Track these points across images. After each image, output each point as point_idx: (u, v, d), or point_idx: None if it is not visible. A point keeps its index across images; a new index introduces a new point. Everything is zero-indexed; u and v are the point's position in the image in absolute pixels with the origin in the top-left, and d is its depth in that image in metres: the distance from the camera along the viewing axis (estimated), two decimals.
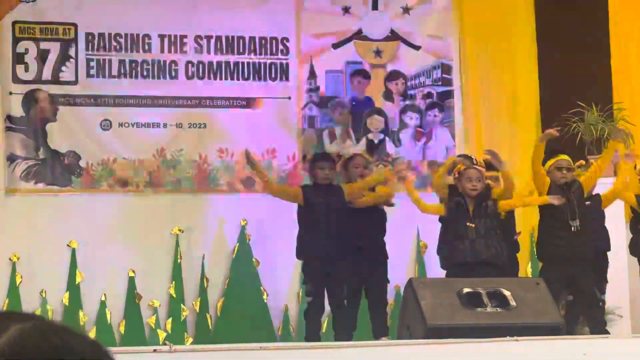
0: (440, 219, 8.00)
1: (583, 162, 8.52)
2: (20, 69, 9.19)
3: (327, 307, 8.11)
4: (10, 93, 9.16)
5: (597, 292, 8.10)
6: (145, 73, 9.42)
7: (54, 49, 9.26)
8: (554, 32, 10.11)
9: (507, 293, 7.01)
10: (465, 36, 10.06)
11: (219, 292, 9.28)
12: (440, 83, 10.04)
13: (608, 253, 8.48)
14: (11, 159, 9.10)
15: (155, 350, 5.83)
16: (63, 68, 9.26)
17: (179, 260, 9.18)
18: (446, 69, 10.03)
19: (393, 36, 10.01)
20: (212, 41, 9.57)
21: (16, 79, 9.18)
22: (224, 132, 9.51)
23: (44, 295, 8.94)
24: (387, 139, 9.87)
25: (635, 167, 8.77)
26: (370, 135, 9.85)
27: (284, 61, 9.70)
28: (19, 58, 9.19)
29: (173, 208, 9.30)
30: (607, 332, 7.86)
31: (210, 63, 9.55)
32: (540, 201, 7.94)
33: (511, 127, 9.97)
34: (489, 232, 7.69)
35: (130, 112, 9.35)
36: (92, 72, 9.32)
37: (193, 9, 9.54)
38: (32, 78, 9.21)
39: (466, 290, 6.96)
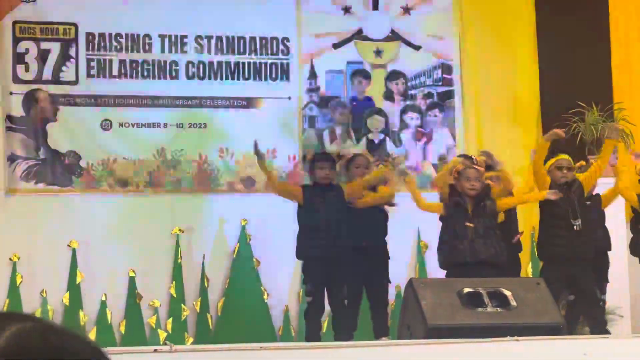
0: (441, 219, 8.01)
1: (583, 162, 8.52)
2: (20, 69, 9.19)
3: (328, 307, 8.11)
4: (11, 93, 9.16)
5: (597, 291, 8.10)
6: (145, 73, 9.43)
7: (55, 48, 9.26)
8: (554, 32, 10.12)
9: (507, 293, 7.01)
10: (465, 36, 10.07)
11: (220, 292, 9.28)
12: (440, 83, 10.04)
13: (609, 253, 8.48)
14: (11, 159, 9.10)
15: (155, 350, 5.83)
16: (63, 68, 9.27)
17: (179, 260, 9.18)
18: (447, 69, 10.04)
19: (393, 36, 10.01)
20: (213, 41, 9.58)
21: (16, 79, 9.18)
22: (225, 132, 9.51)
23: (44, 295, 8.95)
24: (387, 139, 9.88)
25: (635, 167, 8.77)
26: (370, 135, 9.86)
27: (285, 61, 9.71)
28: (19, 58, 9.19)
29: (173, 208, 9.31)
30: (607, 332, 7.86)
31: (211, 63, 9.56)
32: (538, 197, 7.95)
33: (511, 127, 9.98)
34: (488, 232, 7.70)
35: (130, 112, 9.36)
36: (93, 72, 9.32)
37: (193, 9, 9.54)
38: (32, 78, 9.21)
39: (466, 290, 6.96)
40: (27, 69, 9.21)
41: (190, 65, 9.51)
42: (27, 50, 9.21)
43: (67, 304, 8.96)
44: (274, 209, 8.93)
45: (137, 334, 9.00)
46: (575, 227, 7.81)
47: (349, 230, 7.94)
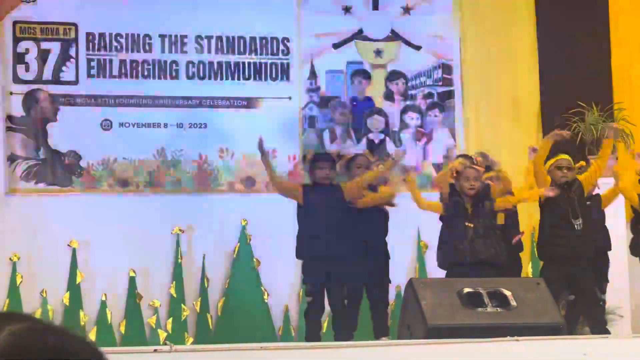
0: (441, 218, 8.02)
1: (583, 163, 8.52)
2: (20, 68, 9.19)
3: (328, 307, 8.11)
4: (11, 93, 9.17)
5: (597, 291, 8.10)
6: (145, 73, 9.43)
7: (55, 48, 9.27)
8: (554, 32, 10.12)
9: (507, 293, 7.01)
10: (465, 36, 10.07)
11: (220, 292, 9.28)
12: (440, 83, 10.04)
13: (608, 253, 8.48)
14: (12, 159, 9.10)
15: (155, 350, 5.83)
16: (63, 68, 9.27)
17: (179, 260, 9.18)
18: (447, 69, 10.04)
19: (394, 36, 10.01)
20: (213, 41, 9.58)
21: (17, 79, 9.18)
22: (225, 132, 9.51)
23: (44, 295, 8.95)
24: (387, 139, 9.88)
25: (636, 168, 8.77)
26: (370, 135, 9.86)
27: (285, 61, 9.71)
28: (19, 58, 9.19)
29: (173, 208, 9.31)
30: (607, 332, 7.86)
31: (211, 63, 9.56)
32: (536, 195, 7.96)
33: (512, 127, 9.98)
34: (487, 232, 7.71)
35: (130, 112, 9.36)
36: (93, 72, 9.33)
37: (193, 9, 9.54)
38: (32, 78, 9.22)
39: (467, 290, 6.96)
40: (27, 69, 9.21)
41: (190, 65, 9.52)
42: (27, 50, 9.22)
43: (67, 304, 8.96)
44: (274, 209, 8.93)
45: (137, 334, 9.00)
46: (576, 226, 7.82)
47: (349, 230, 7.94)
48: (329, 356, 6.13)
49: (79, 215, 9.11)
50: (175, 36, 9.50)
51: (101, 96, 9.32)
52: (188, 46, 9.52)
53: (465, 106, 10.02)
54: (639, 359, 6.29)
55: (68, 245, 9.03)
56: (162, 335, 8.95)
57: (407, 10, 10.04)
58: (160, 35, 9.48)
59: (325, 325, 8.61)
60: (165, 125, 9.41)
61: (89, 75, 9.31)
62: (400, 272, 8.79)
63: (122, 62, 9.39)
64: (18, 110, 9.15)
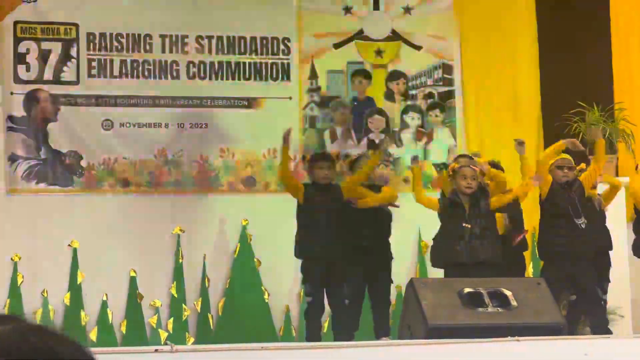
0: (439, 217, 8.03)
1: (584, 165, 8.53)
2: (21, 69, 9.19)
3: (329, 307, 8.11)
4: (12, 93, 9.17)
5: (599, 291, 8.10)
6: (146, 73, 9.43)
7: (55, 49, 9.26)
8: (554, 31, 10.11)
9: (508, 293, 7.02)
10: (466, 36, 10.07)
11: (220, 292, 9.28)
12: (441, 83, 10.04)
13: (609, 252, 8.49)
14: (12, 159, 9.10)
15: (156, 350, 5.83)
16: (64, 68, 9.27)
17: (180, 260, 9.19)
18: (447, 69, 10.04)
19: (394, 36, 10.01)
20: (214, 41, 9.58)
21: (17, 79, 9.18)
22: (225, 132, 9.51)
23: (45, 295, 8.95)
24: (388, 139, 9.87)
25: (636, 168, 8.79)
26: (371, 136, 9.86)
27: (285, 61, 9.71)
28: (20, 58, 9.19)
29: (174, 208, 9.31)
30: (608, 332, 7.86)
31: (212, 63, 9.56)
32: (525, 186, 7.97)
33: (512, 127, 9.96)
34: (484, 232, 7.71)
35: (131, 112, 9.36)
36: (94, 72, 9.33)
37: (194, 9, 9.54)
38: (33, 78, 9.22)
39: (467, 290, 6.96)
40: (28, 69, 9.21)
41: (191, 65, 9.52)
42: (28, 50, 9.22)
43: (68, 303, 8.96)
44: (275, 209, 8.94)
45: (138, 334, 9.00)
46: (580, 225, 7.84)
47: (352, 230, 7.95)
48: (330, 356, 6.14)
49: (80, 215, 9.11)
50: (176, 36, 9.50)
51: (102, 96, 9.32)
52: (189, 46, 9.52)
53: (465, 106, 10.02)
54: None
55: (69, 245, 9.03)
56: (163, 335, 8.95)
57: (407, 10, 10.04)
58: (160, 35, 9.48)
59: (326, 325, 8.61)
60: (166, 125, 9.41)
61: (90, 75, 9.31)
62: (400, 272, 8.79)
63: (123, 62, 9.39)
64: (19, 111, 9.15)
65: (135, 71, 9.41)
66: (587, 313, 8.12)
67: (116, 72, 9.36)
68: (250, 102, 9.60)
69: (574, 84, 9.87)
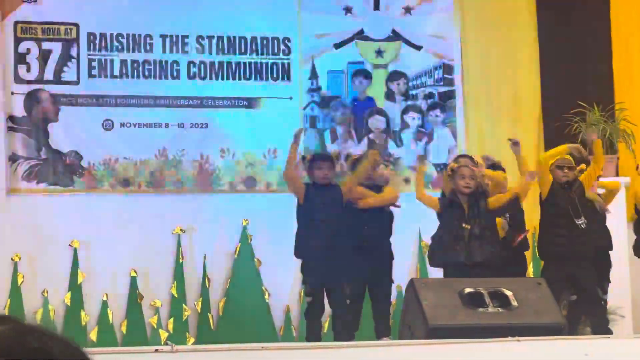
0: (438, 217, 8.03)
1: (584, 166, 8.53)
2: (22, 69, 9.20)
3: (329, 307, 8.10)
4: (12, 93, 9.17)
5: (599, 291, 8.10)
6: (147, 73, 9.43)
7: (56, 49, 9.27)
8: (555, 32, 10.12)
9: (508, 293, 7.02)
10: (466, 36, 10.07)
11: (221, 292, 9.28)
12: (441, 83, 10.04)
13: (610, 252, 8.49)
14: (13, 159, 9.11)
15: (157, 350, 5.83)
16: (65, 68, 9.27)
17: (180, 260, 9.19)
18: (448, 69, 10.04)
19: (395, 36, 10.01)
20: (214, 41, 9.58)
21: (18, 79, 9.19)
22: (226, 132, 9.51)
23: (45, 295, 8.95)
24: (388, 139, 9.88)
25: (637, 168, 8.79)
26: (371, 136, 9.86)
27: (286, 61, 9.71)
28: (20, 58, 9.19)
29: (174, 208, 9.31)
30: (609, 332, 7.86)
31: (212, 63, 9.56)
32: (522, 185, 7.96)
33: (513, 127, 9.96)
34: (484, 233, 7.71)
35: (132, 112, 9.36)
36: (94, 72, 9.33)
37: (194, 9, 9.54)
38: (34, 78, 9.22)
39: (468, 290, 6.96)
40: (28, 69, 9.21)
41: (191, 65, 9.52)
42: (28, 50, 9.22)
43: (69, 303, 8.96)
44: (275, 209, 8.94)
45: (139, 334, 9.00)
46: (580, 225, 7.85)
47: (352, 230, 7.94)
48: (330, 356, 6.14)
49: (81, 215, 9.12)
50: (176, 36, 9.50)
51: (102, 96, 9.32)
52: (189, 46, 9.52)
53: (466, 106, 10.02)
54: None
55: (69, 245, 9.03)
56: (164, 335, 8.95)
57: (408, 10, 10.04)
58: (161, 35, 9.48)
59: (326, 325, 8.61)
60: (167, 125, 9.41)
61: (90, 75, 9.31)
62: (401, 273, 8.79)
63: (123, 62, 9.39)
64: (19, 111, 9.15)
65: (135, 71, 9.41)
66: (588, 313, 8.11)
67: (117, 72, 9.37)
68: (250, 102, 9.60)
69: (574, 83, 9.87)
